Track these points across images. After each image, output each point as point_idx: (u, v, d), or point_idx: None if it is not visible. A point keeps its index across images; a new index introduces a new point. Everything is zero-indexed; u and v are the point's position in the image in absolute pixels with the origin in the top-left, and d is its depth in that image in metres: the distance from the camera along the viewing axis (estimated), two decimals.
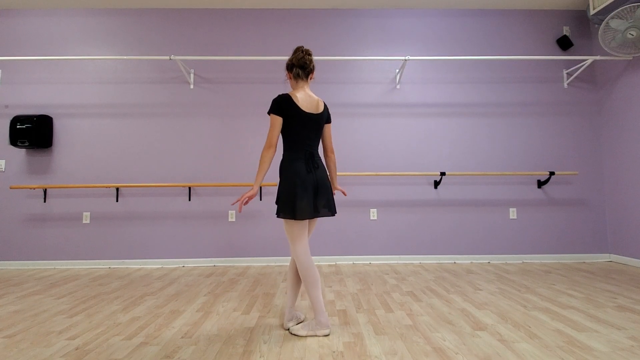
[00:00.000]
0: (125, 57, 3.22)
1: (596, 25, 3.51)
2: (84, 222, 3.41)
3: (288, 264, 3.39)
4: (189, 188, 3.43)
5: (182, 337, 1.67)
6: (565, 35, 3.57)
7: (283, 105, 1.63)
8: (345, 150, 3.52)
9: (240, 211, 1.58)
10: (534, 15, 3.69)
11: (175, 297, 2.34)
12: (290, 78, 1.74)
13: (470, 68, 3.62)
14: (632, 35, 2.99)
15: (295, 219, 1.61)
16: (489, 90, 3.61)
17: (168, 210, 3.43)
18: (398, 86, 3.60)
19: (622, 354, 1.47)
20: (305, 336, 1.66)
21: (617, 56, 3.23)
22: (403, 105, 3.58)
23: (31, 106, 3.50)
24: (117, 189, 3.43)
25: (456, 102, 3.59)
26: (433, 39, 3.65)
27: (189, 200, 3.44)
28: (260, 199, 3.46)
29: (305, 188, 1.62)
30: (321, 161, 1.74)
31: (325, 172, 1.74)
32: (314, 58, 3.22)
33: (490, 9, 3.70)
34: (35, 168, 3.44)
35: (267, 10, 3.66)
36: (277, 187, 3.47)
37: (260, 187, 3.45)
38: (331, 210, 1.71)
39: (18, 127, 3.29)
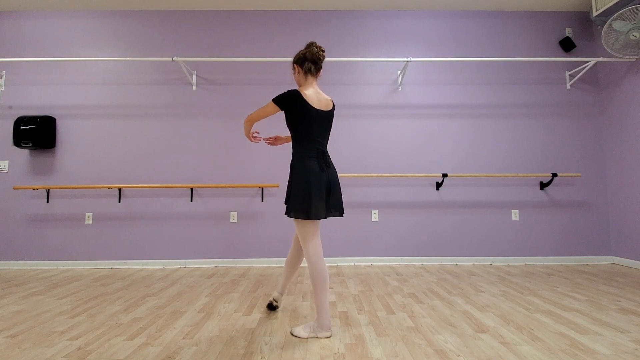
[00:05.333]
0: (128, 59, 3.24)
1: (599, 27, 3.50)
2: (87, 222, 3.42)
3: None
4: (191, 189, 3.44)
5: (183, 338, 1.67)
6: (567, 37, 3.56)
7: (292, 101, 1.60)
8: (346, 151, 3.52)
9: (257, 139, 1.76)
10: (536, 16, 3.68)
11: (177, 297, 2.35)
12: (298, 72, 1.70)
13: (472, 69, 3.62)
14: (635, 36, 2.98)
15: (309, 219, 1.58)
16: (491, 91, 3.60)
17: (170, 211, 3.44)
18: (400, 87, 3.60)
19: (625, 357, 1.45)
20: (307, 338, 1.66)
21: (620, 58, 3.22)
22: (405, 107, 3.58)
23: (35, 107, 3.52)
24: (120, 190, 3.44)
25: (458, 104, 3.58)
26: (435, 41, 3.65)
27: (191, 201, 3.45)
28: (262, 200, 3.46)
29: (319, 187, 1.59)
30: (331, 160, 1.73)
31: (336, 171, 1.73)
32: None
33: (492, 10, 3.69)
34: (39, 169, 3.46)
35: (270, 12, 3.67)
36: (278, 188, 3.48)
37: (262, 189, 3.46)
38: (339, 211, 1.70)
39: (22, 127, 3.31)
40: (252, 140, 1.82)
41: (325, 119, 1.66)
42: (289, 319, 1.93)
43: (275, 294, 2.01)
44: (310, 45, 1.67)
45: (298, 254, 1.87)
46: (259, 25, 3.65)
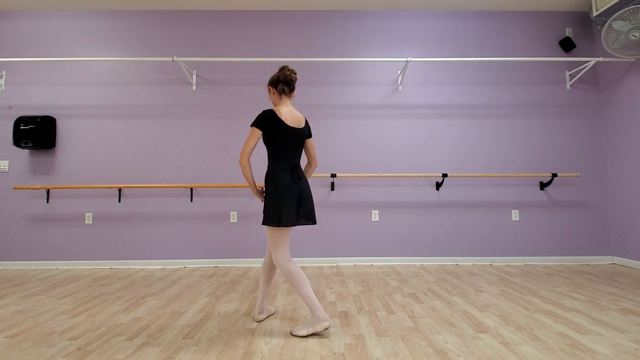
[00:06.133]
0: (128, 59, 3.23)
1: (599, 27, 3.50)
2: (87, 222, 3.42)
3: None
4: (191, 189, 3.44)
5: (183, 338, 1.67)
6: (567, 37, 3.56)
7: (268, 121, 1.72)
8: (347, 151, 3.52)
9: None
10: (536, 16, 3.69)
11: (177, 297, 2.35)
12: (273, 93, 1.84)
13: (472, 69, 3.62)
14: (635, 36, 2.98)
15: (280, 226, 1.68)
16: (491, 91, 3.60)
17: (170, 211, 3.44)
18: (400, 87, 3.60)
19: (625, 357, 1.46)
20: (307, 335, 1.66)
21: (620, 58, 3.22)
22: (405, 107, 3.58)
23: (35, 107, 3.52)
24: (120, 190, 3.44)
25: (458, 104, 3.58)
26: (435, 41, 3.65)
27: (191, 201, 3.45)
28: (262, 200, 3.45)
29: (290, 197, 1.71)
30: (303, 173, 1.86)
31: (308, 182, 1.85)
32: (316, 59, 3.28)
33: (492, 10, 3.69)
34: (39, 169, 3.46)
35: (270, 12, 3.67)
36: None
37: (262, 189, 3.45)
38: (311, 220, 1.79)
39: (22, 127, 3.31)
40: (262, 199, 1.86)
41: (298, 135, 1.79)
42: (289, 319, 1.93)
43: (257, 316, 1.90)
44: (283, 68, 1.82)
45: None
46: (259, 25, 3.65)
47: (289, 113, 1.77)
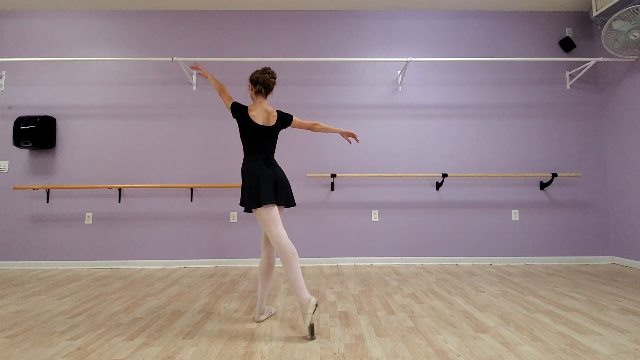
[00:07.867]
0: (128, 59, 3.23)
1: (599, 27, 3.50)
2: (87, 222, 3.42)
3: None
4: (191, 189, 3.44)
5: (183, 338, 1.67)
6: (567, 37, 3.56)
7: (239, 113, 1.89)
8: (347, 151, 3.52)
9: (194, 67, 2.19)
10: (536, 16, 3.68)
11: (177, 297, 2.35)
12: (251, 90, 1.95)
13: (472, 69, 3.62)
14: (635, 36, 2.98)
15: (261, 206, 1.75)
16: (491, 91, 3.60)
17: (170, 211, 3.44)
18: (400, 87, 3.60)
19: (625, 357, 1.46)
20: (311, 323, 1.62)
21: (620, 57, 3.22)
22: (405, 107, 3.58)
23: (35, 107, 3.52)
24: (120, 190, 3.44)
25: (458, 104, 3.58)
26: (435, 41, 3.65)
27: (191, 201, 3.45)
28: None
29: (266, 179, 1.80)
30: (277, 162, 1.95)
31: (282, 170, 1.94)
32: (316, 59, 3.29)
33: (492, 10, 3.69)
34: (39, 169, 3.46)
35: (270, 12, 3.67)
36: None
37: None
38: (289, 203, 1.89)
39: (22, 128, 3.31)
40: (195, 67, 2.21)
41: (267, 132, 1.89)
42: (289, 319, 1.93)
43: (257, 317, 1.90)
44: (264, 71, 1.91)
45: (268, 257, 1.90)
46: (259, 25, 3.65)
47: (261, 114, 1.89)
